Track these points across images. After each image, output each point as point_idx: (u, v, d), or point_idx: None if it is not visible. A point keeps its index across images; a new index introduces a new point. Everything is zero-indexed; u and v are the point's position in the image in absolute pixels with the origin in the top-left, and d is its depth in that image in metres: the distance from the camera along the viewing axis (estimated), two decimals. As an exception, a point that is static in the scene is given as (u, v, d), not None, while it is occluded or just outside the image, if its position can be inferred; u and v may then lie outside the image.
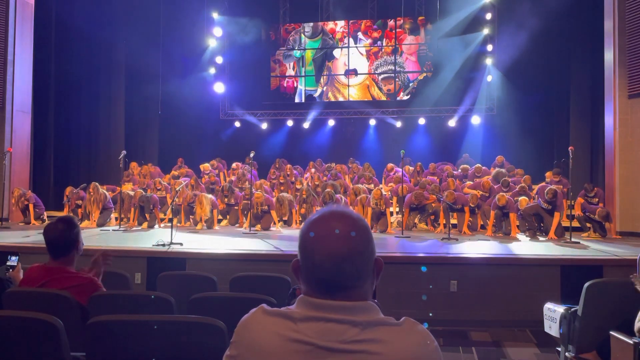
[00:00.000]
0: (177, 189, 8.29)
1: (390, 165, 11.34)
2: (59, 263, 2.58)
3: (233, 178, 10.89)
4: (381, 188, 9.42)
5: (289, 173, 11.16)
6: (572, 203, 8.24)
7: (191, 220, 9.18)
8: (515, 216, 7.91)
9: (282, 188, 10.12)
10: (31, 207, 9.17)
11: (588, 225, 8.08)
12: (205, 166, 11.49)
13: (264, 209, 8.57)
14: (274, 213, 8.71)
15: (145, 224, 8.84)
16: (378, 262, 1.12)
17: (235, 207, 9.34)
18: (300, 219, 9.09)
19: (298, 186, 10.45)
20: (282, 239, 7.25)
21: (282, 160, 12.40)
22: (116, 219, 9.19)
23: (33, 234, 7.50)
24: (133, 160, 11.46)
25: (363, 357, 1.01)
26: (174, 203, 8.09)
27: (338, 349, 1.01)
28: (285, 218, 9.33)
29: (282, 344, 1.03)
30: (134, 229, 8.61)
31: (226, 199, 9.30)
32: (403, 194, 8.41)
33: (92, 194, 8.95)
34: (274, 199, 9.08)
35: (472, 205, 8.22)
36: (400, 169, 9.97)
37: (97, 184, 9.12)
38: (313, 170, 11.69)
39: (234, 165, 11.82)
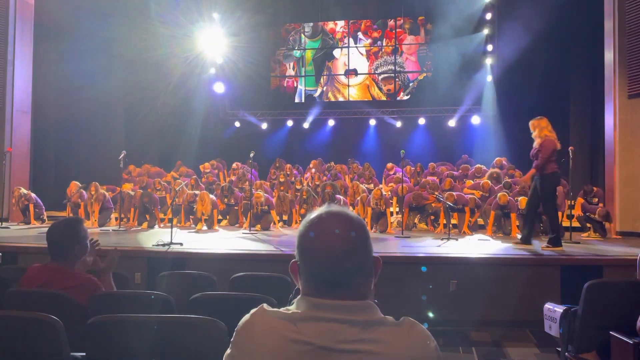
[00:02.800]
0: (176, 189, 8.29)
1: (390, 164, 11.34)
2: (58, 263, 2.58)
3: (233, 178, 10.88)
4: (381, 188, 9.43)
5: (288, 173, 11.15)
6: (573, 203, 8.24)
7: (191, 220, 9.19)
8: (515, 216, 7.91)
9: (282, 188, 10.13)
10: (31, 207, 9.18)
11: (588, 225, 8.08)
12: (205, 165, 11.49)
13: (264, 209, 8.57)
14: (273, 213, 8.71)
15: (145, 224, 8.85)
16: (377, 260, 1.13)
17: (235, 207, 9.34)
18: (300, 219, 9.10)
19: (298, 186, 10.46)
20: (282, 239, 7.25)
21: (282, 160, 12.40)
22: (116, 219, 9.20)
23: (33, 234, 7.51)
24: (133, 161, 11.46)
25: (362, 357, 1.01)
26: (174, 203, 8.09)
27: (338, 349, 1.01)
28: (286, 217, 9.35)
29: (282, 344, 1.03)
30: (134, 228, 8.61)
31: (226, 199, 9.30)
32: (403, 194, 8.42)
33: (92, 193, 8.98)
34: (274, 199, 9.09)
35: (472, 207, 8.23)
36: (400, 169, 9.97)
37: (97, 183, 9.13)
38: (313, 170, 11.69)
39: (234, 165, 11.81)
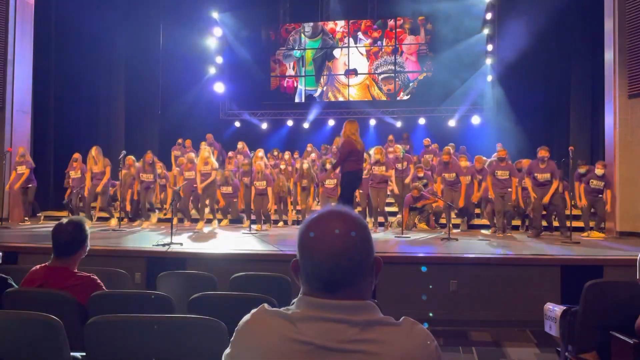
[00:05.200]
0: (177, 189, 8.30)
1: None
2: (61, 263, 2.58)
3: (232, 168, 10.67)
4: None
5: (286, 160, 11.01)
6: (573, 203, 8.23)
7: (194, 211, 9.19)
8: (516, 181, 7.93)
9: (282, 172, 10.01)
10: (26, 174, 9.18)
11: (591, 224, 8.08)
12: (202, 144, 11.44)
13: (261, 188, 8.57)
14: (270, 191, 8.69)
15: (145, 223, 8.87)
16: (377, 261, 1.12)
17: (235, 200, 9.24)
18: (300, 197, 9.20)
19: (297, 165, 10.36)
20: (282, 239, 7.25)
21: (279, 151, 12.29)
22: (115, 209, 9.16)
23: (33, 234, 7.51)
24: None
25: (362, 357, 1.01)
26: (174, 188, 8.13)
27: (337, 349, 1.01)
28: (285, 217, 9.36)
29: (282, 344, 1.03)
30: (134, 229, 8.59)
31: (224, 188, 9.14)
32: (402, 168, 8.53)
33: (93, 155, 8.97)
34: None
35: (465, 172, 8.33)
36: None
37: (98, 147, 9.14)
38: (313, 155, 11.61)
39: (230, 153, 11.66)
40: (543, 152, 7.66)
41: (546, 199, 7.53)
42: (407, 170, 9.20)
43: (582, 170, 8.17)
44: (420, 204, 8.70)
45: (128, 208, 9.16)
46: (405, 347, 1.02)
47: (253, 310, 1.12)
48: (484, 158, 10.39)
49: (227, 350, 1.11)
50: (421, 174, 9.15)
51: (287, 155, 11.33)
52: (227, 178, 9.00)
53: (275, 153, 11.90)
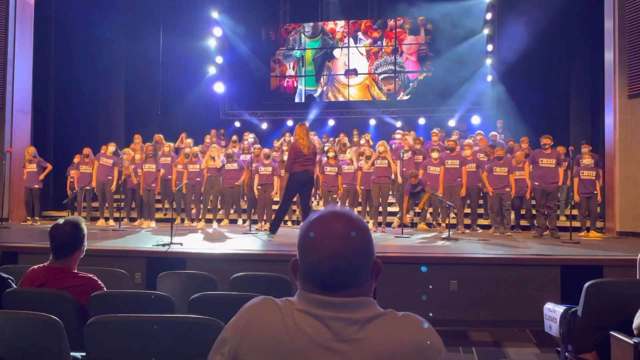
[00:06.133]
0: (178, 188, 8.32)
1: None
2: (60, 263, 2.58)
3: (235, 149, 10.58)
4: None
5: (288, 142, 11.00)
6: (573, 203, 8.24)
7: (194, 210, 9.13)
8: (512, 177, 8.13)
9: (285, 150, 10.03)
10: (48, 167, 9.59)
11: (587, 223, 8.08)
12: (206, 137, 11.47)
13: (266, 174, 8.59)
14: (277, 181, 8.70)
15: (145, 223, 8.87)
16: (377, 264, 1.12)
17: (236, 183, 9.15)
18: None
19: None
20: (282, 239, 7.25)
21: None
22: (115, 219, 9.18)
23: (33, 234, 7.51)
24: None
25: (361, 356, 1.01)
26: (179, 185, 8.18)
27: (335, 349, 1.01)
28: (293, 217, 9.33)
29: (283, 338, 1.03)
30: (134, 229, 8.59)
31: (229, 165, 9.05)
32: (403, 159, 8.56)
33: (111, 150, 9.31)
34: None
35: (470, 160, 8.48)
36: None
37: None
38: (316, 138, 11.67)
39: (234, 137, 11.63)
40: (546, 140, 7.81)
41: (561, 181, 7.79)
42: (411, 159, 9.12)
43: (585, 149, 8.35)
44: (420, 189, 8.68)
45: (135, 181, 9.20)
46: (403, 340, 1.03)
47: (255, 299, 1.12)
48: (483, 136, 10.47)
49: (221, 335, 1.11)
50: (418, 146, 9.27)
51: (288, 137, 11.35)
52: (231, 156, 9.02)
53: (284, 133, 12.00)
